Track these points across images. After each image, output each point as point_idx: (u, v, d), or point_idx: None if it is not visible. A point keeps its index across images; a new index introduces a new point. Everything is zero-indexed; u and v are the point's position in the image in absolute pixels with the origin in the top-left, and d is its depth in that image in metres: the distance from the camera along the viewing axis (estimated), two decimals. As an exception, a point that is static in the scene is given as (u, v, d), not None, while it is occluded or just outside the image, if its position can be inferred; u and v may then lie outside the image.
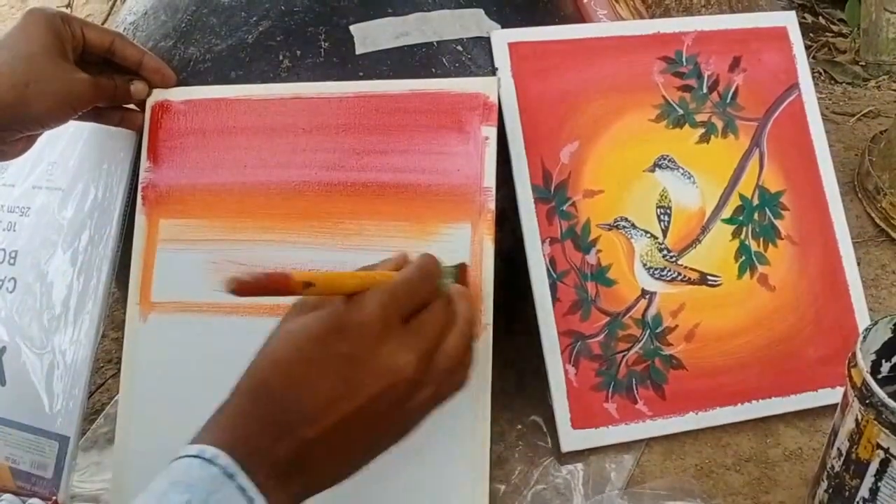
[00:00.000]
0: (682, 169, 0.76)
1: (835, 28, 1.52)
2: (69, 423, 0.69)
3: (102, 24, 1.55)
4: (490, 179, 0.65)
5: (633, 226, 0.74)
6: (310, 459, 0.46)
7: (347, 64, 0.71)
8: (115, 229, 0.72)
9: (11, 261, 0.75)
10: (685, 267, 0.75)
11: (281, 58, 0.71)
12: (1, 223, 0.76)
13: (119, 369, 0.69)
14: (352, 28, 0.72)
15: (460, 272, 0.61)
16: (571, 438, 0.70)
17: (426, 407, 0.51)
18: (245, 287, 0.44)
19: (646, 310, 0.74)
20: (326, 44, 0.71)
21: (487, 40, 0.74)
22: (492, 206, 0.65)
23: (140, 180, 0.70)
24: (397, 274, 0.52)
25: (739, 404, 0.73)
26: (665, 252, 0.75)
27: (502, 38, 0.74)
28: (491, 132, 0.66)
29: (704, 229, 0.76)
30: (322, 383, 0.46)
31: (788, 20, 0.81)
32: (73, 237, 0.73)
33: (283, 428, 0.45)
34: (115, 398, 0.77)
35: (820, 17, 1.55)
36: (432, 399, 0.51)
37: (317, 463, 0.47)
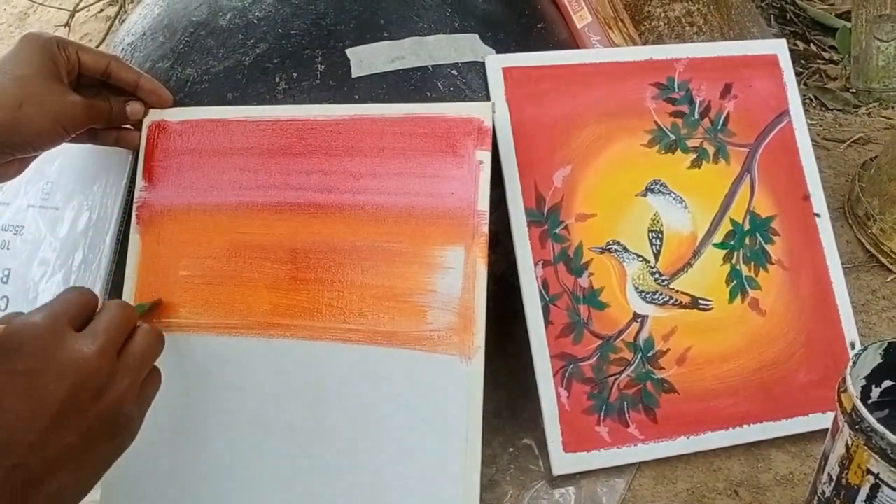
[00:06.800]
0: (674, 194, 0.77)
1: (826, 55, 1.54)
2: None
3: (100, 44, 1.56)
4: (484, 203, 0.66)
5: (626, 249, 0.75)
6: (37, 478, 0.46)
7: (343, 87, 0.71)
8: (108, 249, 0.72)
9: (4, 279, 0.74)
10: (677, 291, 0.75)
11: (277, 80, 0.72)
12: (-5, 241, 0.76)
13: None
14: (348, 51, 0.72)
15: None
16: (563, 462, 0.70)
17: (130, 397, 0.51)
18: None
19: (638, 333, 0.74)
20: (323, 67, 0.72)
21: (482, 65, 0.75)
22: (485, 229, 0.65)
23: (135, 200, 0.71)
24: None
25: (731, 429, 0.73)
26: (657, 276, 0.75)
27: (497, 63, 0.75)
28: (485, 156, 0.67)
29: (696, 254, 0.76)
30: (10, 406, 0.46)
31: (779, 48, 0.82)
32: (66, 256, 0.73)
33: None
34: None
35: (811, 45, 1.57)
36: (133, 389, 0.51)
37: (46, 480, 0.46)
